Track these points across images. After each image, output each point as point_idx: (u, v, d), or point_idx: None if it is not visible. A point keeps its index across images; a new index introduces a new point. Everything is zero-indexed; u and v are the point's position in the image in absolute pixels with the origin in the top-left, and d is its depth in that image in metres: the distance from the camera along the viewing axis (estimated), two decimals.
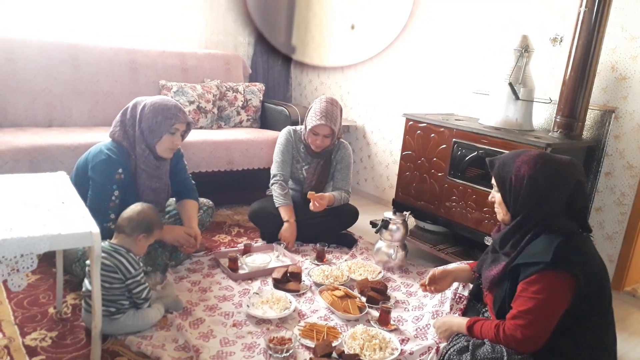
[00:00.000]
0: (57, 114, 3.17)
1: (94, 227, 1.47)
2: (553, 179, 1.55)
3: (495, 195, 1.70)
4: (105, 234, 1.81)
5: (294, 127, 2.97)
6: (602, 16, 2.28)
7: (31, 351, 1.72)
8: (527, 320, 1.49)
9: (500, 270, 1.63)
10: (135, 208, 1.92)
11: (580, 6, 2.31)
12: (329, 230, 2.88)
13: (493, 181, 1.70)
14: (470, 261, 2.17)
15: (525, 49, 2.57)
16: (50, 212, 1.55)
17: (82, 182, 2.13)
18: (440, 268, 2.00)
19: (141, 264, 1.88)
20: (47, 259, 2.29)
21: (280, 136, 2.95)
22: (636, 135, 2.50)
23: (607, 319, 1.59)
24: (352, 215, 2.96)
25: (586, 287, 1.48)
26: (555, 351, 1.53)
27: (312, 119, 2.79)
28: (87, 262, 1.79)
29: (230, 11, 4.28)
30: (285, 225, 2.79)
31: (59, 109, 3.17)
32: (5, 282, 1.40)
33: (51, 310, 1.98)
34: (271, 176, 2.92)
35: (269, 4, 4.37)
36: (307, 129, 2.81)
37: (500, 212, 1.68)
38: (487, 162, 1.72)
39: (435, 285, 1.97)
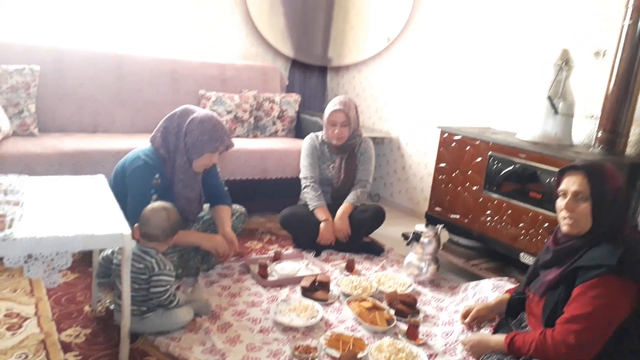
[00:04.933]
0: (101, 121, 3.30)
1: (125, 229, 1.51)
2: (627, 190, 1.58)
3: (579, 205, 1.56)
4: None
5: (315, 133, 3.09)
6: None
7: (66, 347, 1.78)
8: (583, 326, 1.43)
9: (559, 274, 1.57)
10: (160, 215, 1.89)
11: (624, 20, 2.24)
12: (357, 229, 2.88)
13: (575, 188, 1.56)
14: (511, 286, 2.12)
15: (565, 62, 2.50)
16: (86, 214, 1.61)
17: (120, 186, 2.20)
18: (483, 305, 1.97)
19: (170, 267, 1.90)
20: (86, 260, 2.37)
21: (304, 142, 3.06)
22: None
23: None
24: (378, 215, 2.95)
25: None
26: None
27: (327, 112, 2.93)
28: (116, 262, 1.85)
29: (271, 27, 4.35)
30: (323, 224, 2.82)
31: (103, 115, 3.31)
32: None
33: (86, 308, 2.05)
34: (302, 180, 2.96)
35: (308, 17, 4.43)
36: (325, 124, 2.93)
37: (578, 223, 1.57)
38: (580, 167, 1.57)
39: (479, 322, 1.95)
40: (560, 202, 1.62)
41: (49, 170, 2.57)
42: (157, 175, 2.22)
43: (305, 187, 2.94)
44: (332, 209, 2.90)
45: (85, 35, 3.57)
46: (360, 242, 2.93)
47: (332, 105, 2.93)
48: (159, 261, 1.85)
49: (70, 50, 3.24)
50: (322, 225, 2.82)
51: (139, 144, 2.37)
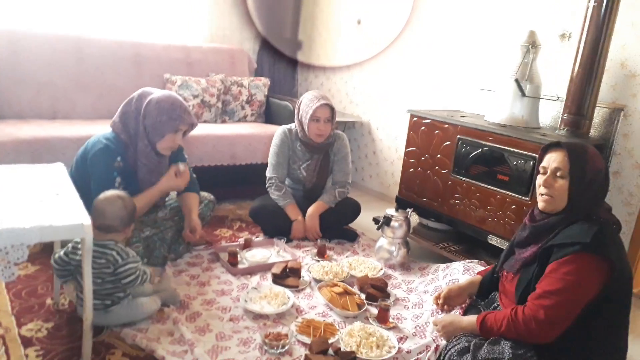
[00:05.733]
0: (61, 107, 3.17)
1: (85, 219, 1.45)
2: (607, 174, 1.59)
3: (557, 182, 1.58)
4: None
5: (288, 127, 2.91)
6: (611, 12, 2.22)
7: (26, 342, 1.72)
8: (553, 301, 1.45)
9: (534, 252, 1.59)
10: (116, 204, 1.81)
11: (589, 1, 2.26)
12: (331, 224, 2.85)
13: (556, 165, 1.58)
14: (481, 268, 2.15)
15: (532, 45, 2.52)
16: (43, 204, 1.54)
17: (82, 173, 2.13)
18: (455, 286, 1.98)
19: (132, 253, 1.84)
20: (47, 251, 2.29)
21: (275, 137, 2.89)
22: None
23: (622, 323, 1.55)
24: (354, 210, 2.94)
25: (617, 279, 1.45)
26: (563, 349, 1.49)
27: (308, 107, 2.74)
28: (77, 257, 1.77)
29: (236, 6, 4.26)
30: (294, 224, 2.78)
31: (63, 101, 3.18)
32: None
33: (48, 301, 1.98)
34: (266, 179, 2.88)
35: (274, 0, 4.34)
36: (307, 119, 2.73)
37: (555, 200, 1.58)
38: (563, 145, 1.59)
39: (450, 302, 1.96)
40: (540, 179, 1.64)
41: (5, 159, 2.45)
42: (118, 159, 2.15)
43: (268, 187, 2.86)
44: (304, 209, 2.83)
45: (42, 17, 3.40)
46: (333, 235, 2.90)
47: (315, 100, 2.74)
48: (119, 252, 1.78)
49: (27, 32, 3.09)
50: (293, 225, 2.78)
51: (101, 130, 2.28)
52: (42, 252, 2.32)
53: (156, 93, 2.22)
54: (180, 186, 2.34)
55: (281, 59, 4.53)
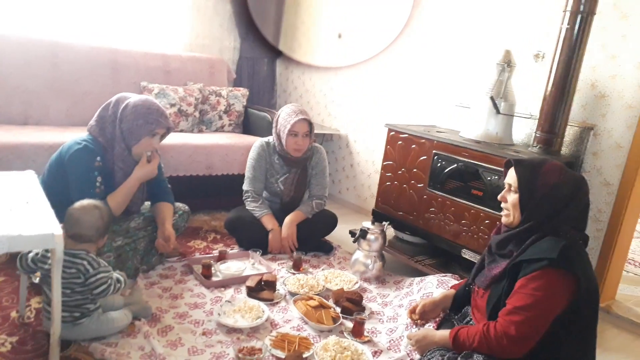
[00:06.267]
0: (33, 112, 3.10)
1: (56, 229, 1.41)
2: (574, 191, 1.57)
3: (510, 197, 1.65)
4: None
5: (266, 140, 2.89)
6: (583, 34, 2.29)
7: None
8: (523, 317, 1.47)
9: (503, 268, 1.61)
10: (93, 214, 1.77)
11: (562, 23, 2.33)
12: (307, 236, 2.84)
13: (509, 181, 1.66)
14: (455, 282, 2.17)
15: (507, 64, 2.58)
16: (12, 212, 1.49)
17: (56, 179, 2.10)
18: (429, 300, 2.00)
19: (103, 263, 1.79)
20: (13, 262, 2.21)
21: (253, 150, 2.87)
22: (613, 153, 2.52)
23: (590, 335, 1.58)
24: (330, 222, 2.94)
25: (584, 294, 1.48)
26: None
27: (286, 121, 2.73)
28: (46, 267, 1.71)
29: (217, 15, 4.25)
30: (271, 235, 2.75)
31: (36, 106, 3.10)
32: None
33: (14, 314, 1.91)
34: (243, 192, 2.86)
35: (257, 9, 4.35)
36: (285, 133, 2.72)
37: (510, 214, 1.65)
38: (512, 162, 1.66)
39: (424, 316, 1.98)
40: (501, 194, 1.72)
41: None
42: (98, 158, 2.13)
43: (245, 199, 2.84)
44: (281, 222, 2.80)
45: (17, 20, 3.33)
46: (309, 247, 2.89)
47: (293, 115, 2.72)
48: (91, 261, 1.73)
49: (0, 34, 3.01)
50: (270, 235, 2.75)
51: (72, 139, 2.23)
52: (7, 262, 2.25)
53: (133, 97, 2.21)
54: (153, 171, 2.28)
55: (260, 69, 4.53)
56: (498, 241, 1.68)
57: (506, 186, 1.69)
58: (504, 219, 1.70)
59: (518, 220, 1.63)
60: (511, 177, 1.66)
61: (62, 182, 2.09)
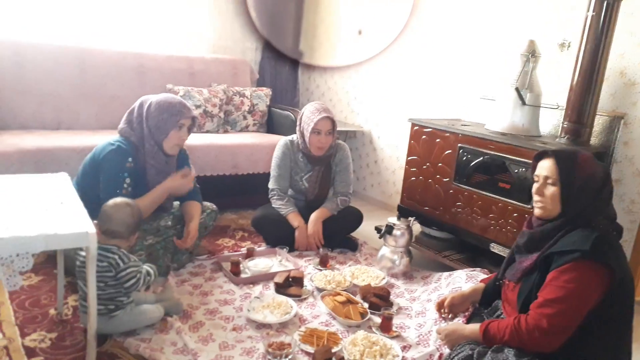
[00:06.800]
0: (65, 117, 3.19)
1: (90, 228, 1.46)
2: (606, 180, 1.57)
3: (548, 190, 1.61)
4: None
5: (290, 138, 2.93)
6: (610, 21, 2.24)
7: (30, 352, 1.72)
8: (556, 309, 1.45)
9: (534, 260, 1.59)
10: (125, 211, 1.84)
11: (588, 10, 2.28)
12: (333, 233, 2.86)
13: (545, 173, 1.61)
14: (484, 277, 2.15)
15: (532, 54, 2.54)
16: (48, 212, 1.55)
17: (91, 180, 2.18)
18: (458, 294, 1.99)
19: (134, 258, 1.86)
20: (50, 261, 2.29)
21: (277, 149, 2.91)
22: None
23: (626, 329, 1.55)
24: (356, 218, 2.94)
25: (618, 286, 1.45)
26: (567, 358, 1.49)
27: (310, 119, 2.75)
28: (78, 263, 1.78)
29: (238, 17, 4.30)
30: (297, 231, 2.77)
31: (66, 112, 3.20)
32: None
33: (52, 311, 1.98)
34: (269, 191, 2.90)
35: (276, 10, 4.39)
36: (309, 131, 2.75)
37: (548, 207, 1.61)
38: (551, 153, 1.62)
39: (453, 310, 1.96)
40: (534, 187, 1.67)
41: (9, 169, 2.46)
42: (129, 159, 2.21)
43: (270, 197, 2.88)
44: (306, 219, 2.82)
45: (46, 28, 3.44)
46: (335, 244, 2.90)
47: (316, 113, 2.74)
48: (122, 256, 1.80)
49: (30, 43, 3.12)
50: (296, 231, 2.77)
51: (105, 140, 2.30)
52: (45, 262, 2.33)
53: (155, 97, 2.30)
54: (184, 187, 2.36)
55: (282, 69, 4.56)
56: (540, 233, 1.63)
57: (540, 179, 1.63)
58: (538, 212, 1.64)
59: (556, 213, 1.59)
60: (546, 168, 1.61)
61: (96, 183, 2.17)
